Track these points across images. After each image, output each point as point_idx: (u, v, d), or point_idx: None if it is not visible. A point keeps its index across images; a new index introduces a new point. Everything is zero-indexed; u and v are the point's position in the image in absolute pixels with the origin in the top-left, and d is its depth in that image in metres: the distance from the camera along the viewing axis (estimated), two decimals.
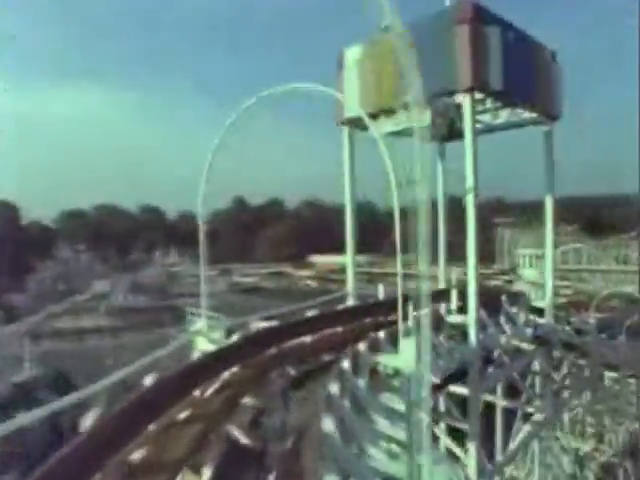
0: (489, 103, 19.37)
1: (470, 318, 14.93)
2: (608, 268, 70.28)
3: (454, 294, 16.22)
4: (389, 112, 16.40)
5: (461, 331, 15.55)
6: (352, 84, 17.32)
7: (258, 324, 14.35)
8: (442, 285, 22.42)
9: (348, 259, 18.51)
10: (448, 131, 20.70)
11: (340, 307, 16.53)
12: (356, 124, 17.62)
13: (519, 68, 15.98)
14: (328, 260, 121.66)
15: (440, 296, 18.34)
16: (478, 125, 21.10)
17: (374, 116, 16.92)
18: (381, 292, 18.16)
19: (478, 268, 14.88)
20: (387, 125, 16.73)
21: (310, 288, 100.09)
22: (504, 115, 20.02)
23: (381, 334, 12.58)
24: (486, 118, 20.18)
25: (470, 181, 14.56)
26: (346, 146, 17.96)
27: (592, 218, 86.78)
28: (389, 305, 17.31)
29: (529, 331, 17.96)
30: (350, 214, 18.15)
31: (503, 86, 15.09)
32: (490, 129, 20.49)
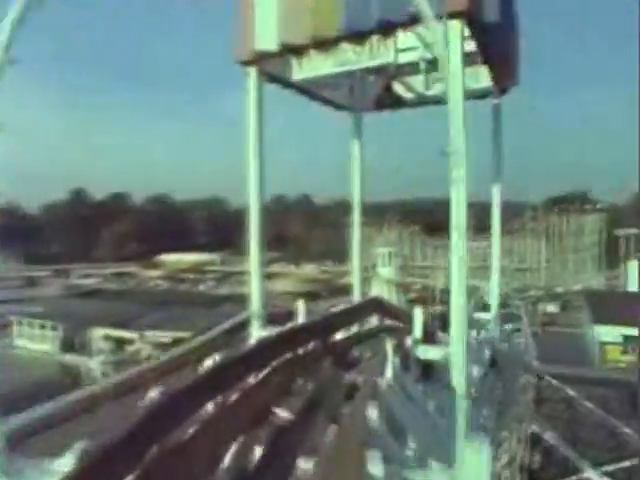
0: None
1: (456, 353, 9.34)
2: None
3: (419, 316, 10.69)
4: (327, 45, 10.26)
5: (423, 365, 10.22)
6: (267, 2, 10.77)
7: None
8: (357, 295, 16.94)
9: (253, 266, 11.86)
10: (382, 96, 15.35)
11: (257, 342, 9.95)
12: (270, 63, 11.13)
13: (507, 11, 11.13)
14: (178, 259, 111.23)
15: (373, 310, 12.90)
16: (408, 95, 16.08)
17: (300, 51, 10.66)
18: (301, 312, 11.83)
19: (468, 280, 9.43)
20: (324, 65, 10.57)
21: (160, 289, 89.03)
22: (438, 85, 15.20)
23: (373, 415, 6.41)
24: (418, 86, 15.04)
25: (459, 156, 8.91)
26: (252, 95, 11.17)
27: (429, 220, 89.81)
28: (324, 332, 11.17)
29: (487, 353, 13.33)
30: (256, 204, 11.43)
31: (499, 20, 10.03)
32: (421, 101, 15.39)
